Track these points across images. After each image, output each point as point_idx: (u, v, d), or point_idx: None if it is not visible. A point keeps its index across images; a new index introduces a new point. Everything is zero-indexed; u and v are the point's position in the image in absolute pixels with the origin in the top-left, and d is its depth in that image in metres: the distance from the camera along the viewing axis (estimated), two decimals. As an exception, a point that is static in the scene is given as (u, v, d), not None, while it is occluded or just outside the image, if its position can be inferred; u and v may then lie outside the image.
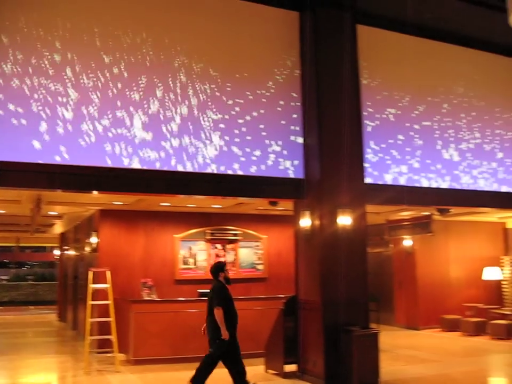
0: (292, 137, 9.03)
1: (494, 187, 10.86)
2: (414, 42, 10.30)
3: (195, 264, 12.95)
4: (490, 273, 14.95)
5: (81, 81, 7.71)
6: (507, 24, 6.61)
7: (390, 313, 15.47)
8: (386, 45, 9.99)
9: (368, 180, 9.20)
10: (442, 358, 10.56)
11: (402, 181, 9.71)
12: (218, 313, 7.34)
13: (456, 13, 9.84)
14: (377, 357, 8.16)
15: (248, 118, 8.73)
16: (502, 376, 9.59)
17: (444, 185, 10.21)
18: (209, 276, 7.83)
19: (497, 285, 15.47)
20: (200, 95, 8.42)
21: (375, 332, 8.33)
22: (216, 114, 8.50)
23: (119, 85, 7.94)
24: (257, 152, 8.75)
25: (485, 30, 10.58)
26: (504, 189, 10.99)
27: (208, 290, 7.72)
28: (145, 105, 8.08)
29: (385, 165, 9.57)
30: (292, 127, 9.07)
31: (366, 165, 9.17)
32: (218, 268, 7.85)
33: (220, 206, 12.54)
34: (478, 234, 15.91)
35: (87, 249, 13.50)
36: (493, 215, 15.05)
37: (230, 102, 8.63)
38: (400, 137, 9.84)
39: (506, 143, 11.22)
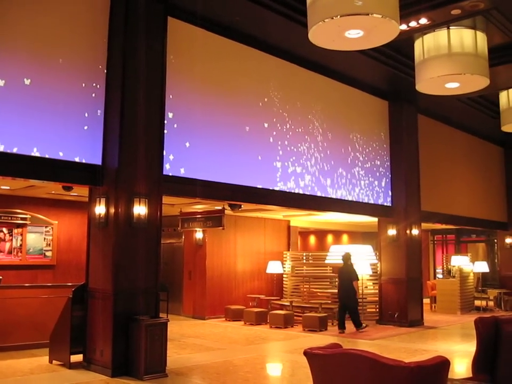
0: (93, 123, 8.71)
1: (280, 187, 11.54)
2: (221, 42, 10.60)
3: (-23, 248, 11.97)
4: (274, 267, 15.98)
5: None
6: (307, 37, 7.18)
7: (178, 303, 15.81)
8: (195, 41, 10.13)
9: (166, 171, 9.27)
10: (226, 345, 11.06)
11: (199, 175, 9.89)
12: (357, 284, 13.02)
13: (262, 20, 10.30)
14: (165, 346, 8.29)
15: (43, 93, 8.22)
16: (278, 362, 10.32)
17: (237, 181, 10.61)
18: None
19: (278, 278, 16.60)
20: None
21: (164, 321, 8.43)
22: None
23: None
24: (53, 134, 8.21)
25: (287, 41, 11.25)
26: (288, 188, 11.78)
27: None
28: None
29: (183, 157, 9.67)
30: (93, 112, 8.77)
31: (165, 155, 9.20)
32: (350, 256, 13.23)
33: (8, 187, 11.79)
34: (265, 231, 16.93)
35: None
36: (279, 213, 16.12)
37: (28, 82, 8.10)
38: (201, 132, 10.04)
39: (291, 148, 12.02)
